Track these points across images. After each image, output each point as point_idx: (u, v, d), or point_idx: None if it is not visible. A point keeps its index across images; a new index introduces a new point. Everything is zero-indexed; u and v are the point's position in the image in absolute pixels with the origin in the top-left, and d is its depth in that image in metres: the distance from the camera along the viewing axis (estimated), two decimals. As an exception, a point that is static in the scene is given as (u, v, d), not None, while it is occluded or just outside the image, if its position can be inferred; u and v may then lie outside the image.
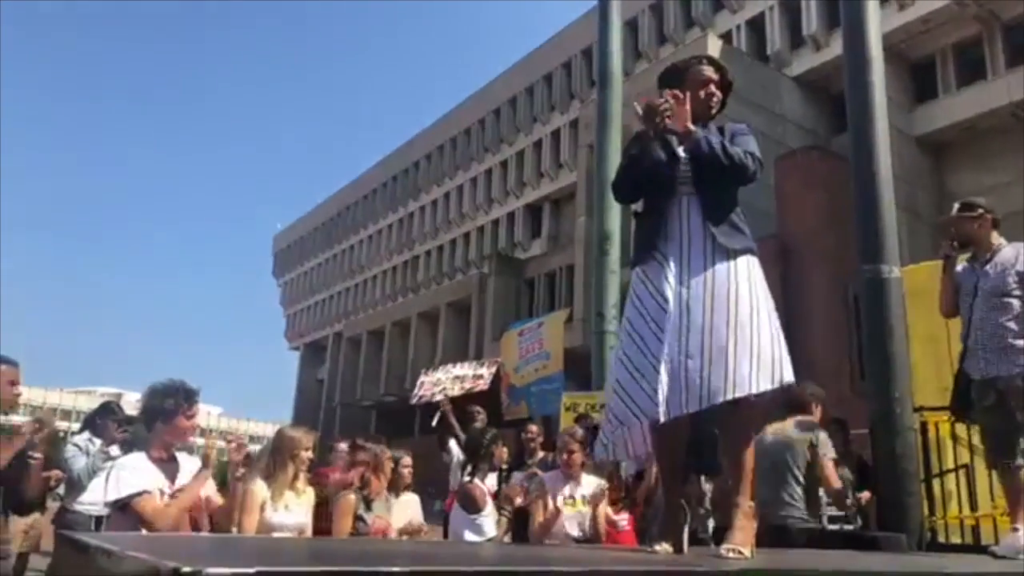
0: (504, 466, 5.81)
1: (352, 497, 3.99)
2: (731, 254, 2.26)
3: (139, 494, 2.93)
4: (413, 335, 32.50)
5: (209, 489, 3.34)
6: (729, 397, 2.13)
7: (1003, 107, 19.30)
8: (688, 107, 2.32)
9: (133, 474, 2.99)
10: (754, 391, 2.15)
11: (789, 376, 2.20)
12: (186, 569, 1.00)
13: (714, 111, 2.50)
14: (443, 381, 18.17)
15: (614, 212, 8.58)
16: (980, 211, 3.73)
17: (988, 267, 3.59)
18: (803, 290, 16.52)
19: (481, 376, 18.46)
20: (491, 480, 5.09)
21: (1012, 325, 3.41)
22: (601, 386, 8.31)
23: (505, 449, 4.87)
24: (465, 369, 18.63)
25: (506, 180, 32.73)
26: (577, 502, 4.06)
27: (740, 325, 2.17)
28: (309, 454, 3.75)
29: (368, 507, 4.00)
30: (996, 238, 3.72)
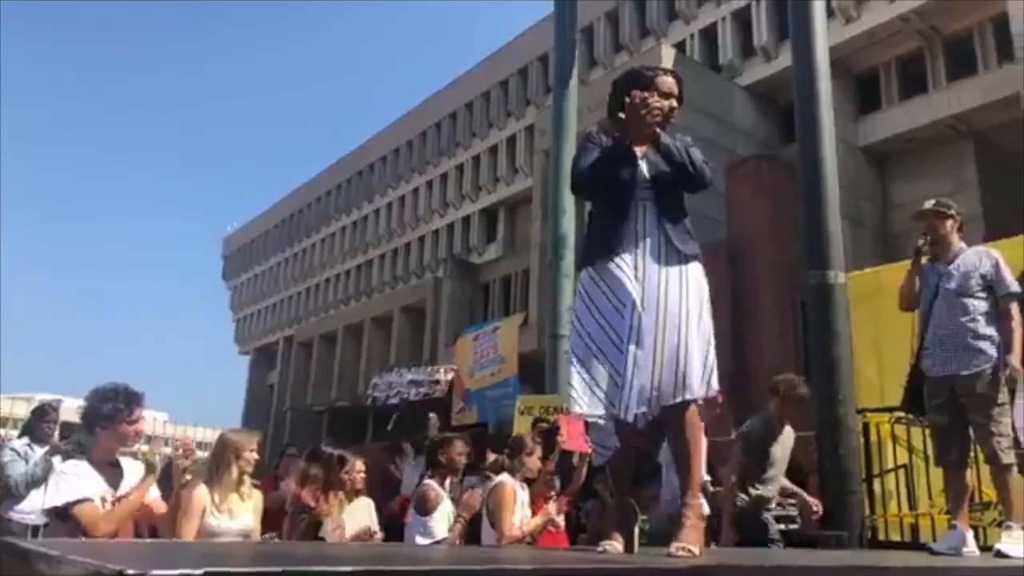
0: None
1: (310, 521, 3.91)
2: (684, 259, 2.31)
3: (80, 501, 2.85)
4: (366, 339, 32.18)
5: (152, 496, 3.26)
6: (679, 400, 2.17)
7: (942, 119, 19.99)
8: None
9: (74, 481, 2.91)
10: (700, 395, 2.20)
11: (717, 384, 2.25)
12: (130, 572, 0.98)
13: (663, 125, 2.53)
14: (397, 384, 18.01)
15: (569, 217, 8.65)
16: (952, 212, 3.83)
17: (951, 268, 3.67)
18: (752, 295, 16.85)
19: (438, 382, 18.32)
20: (447, 484, 5.08)
21: (972, 326, 3.50)
22: (556, 389, 8.36)
23: (462, 453, 4.82)
24: (421, 374, 18.48)
25: (462, 184, 32.70)
26: (524, 504, 4.09)
27: (690, 329, 2.22)
28: (253, 455, 3.66)
29: (320, 526, 3.92)
30: (958, 241, 3.82)
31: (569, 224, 8.65)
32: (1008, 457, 3.36)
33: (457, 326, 26.80)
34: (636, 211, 2.37)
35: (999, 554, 3.15)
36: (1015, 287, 3.56)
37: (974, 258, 3.67)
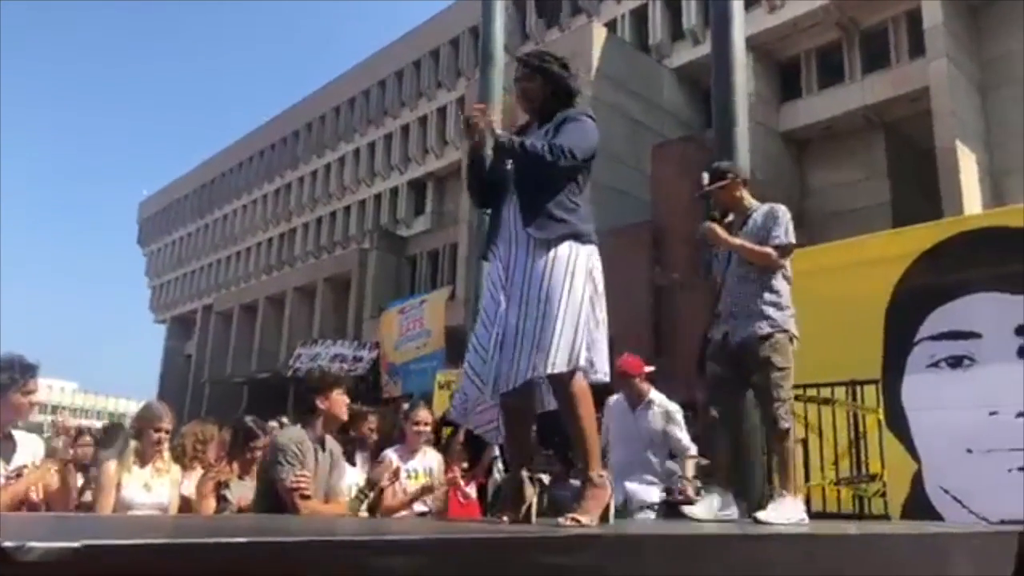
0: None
1: (214, 481, 3.85)
2: (549, 244, 2.39)
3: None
4: (288, 310, 31.60)
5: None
6: (530, 376, 2.27)
7: (857, 109, 20.79)
8: (489, 115, 2.52)
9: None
10: (552, 371, 2.27)
11: (584, 359, 2.31)
12: (8, 544, 0.98)
13: (535, 104, 2.63)
14: (321, 357, 17.83)
15: (493, 192, 8.67)
16: (731, 176, 3.61)
17: (742, 232, 3.51)
18: (675, 274, 17.27)
19: (361, 359, 18.20)
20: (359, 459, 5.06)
21: (758, 292, 3.38)
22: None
23: (373, 426, 4.78)
24: (345, 348, 18.32)
25: (390, 154, 32.23)
26: (420, 475, 4.14)
27: (551, 309, 2.30)
28: (164, 431, 3.63)
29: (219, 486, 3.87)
30: (749, 200, 3.61)
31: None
32: (785, 422, 3.30)
33: (382, 299, 26.59)
34: (508, 206, 2.50)
35: (757, 521, 3.05)
36: (781, 240, 3.40)
37: (759, 219, 3.49)
